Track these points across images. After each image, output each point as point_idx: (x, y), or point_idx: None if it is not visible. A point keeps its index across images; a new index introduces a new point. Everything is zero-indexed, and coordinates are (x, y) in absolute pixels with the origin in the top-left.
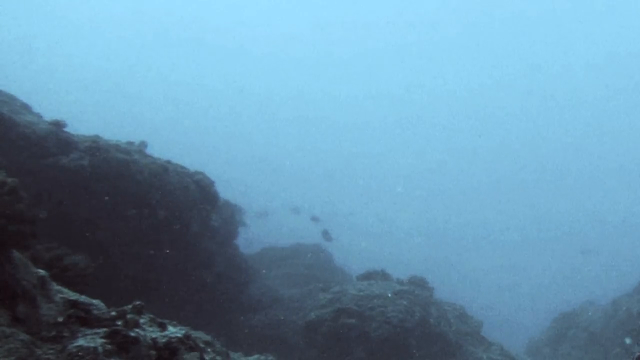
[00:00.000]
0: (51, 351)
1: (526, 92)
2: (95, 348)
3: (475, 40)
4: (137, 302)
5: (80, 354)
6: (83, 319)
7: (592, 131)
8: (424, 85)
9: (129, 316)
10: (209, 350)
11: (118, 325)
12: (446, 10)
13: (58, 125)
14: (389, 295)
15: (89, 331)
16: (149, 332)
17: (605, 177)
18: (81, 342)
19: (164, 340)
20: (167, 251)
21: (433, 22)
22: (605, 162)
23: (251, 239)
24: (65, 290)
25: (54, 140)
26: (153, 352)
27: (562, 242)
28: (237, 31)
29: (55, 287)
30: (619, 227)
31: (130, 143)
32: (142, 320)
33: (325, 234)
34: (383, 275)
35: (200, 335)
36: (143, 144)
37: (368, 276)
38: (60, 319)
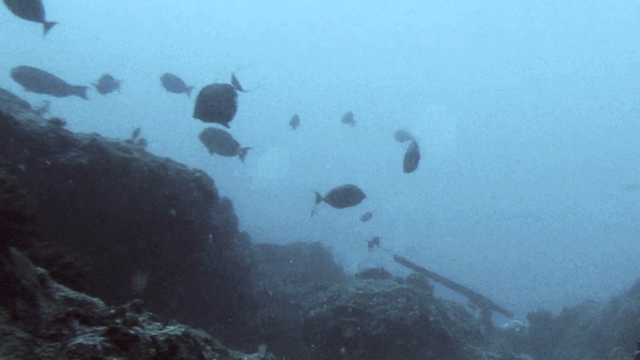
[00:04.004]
0: (50, 349)
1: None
2: (94, 346)
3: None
4: (136, 300)
5: (79, 351)
6: (82, 316)
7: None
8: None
9: (127, 314)
10: (208, 348)
11: (117, 323)
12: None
13: (57, 123)
14: (388, 292)
15: (88, 329)
16: (148, 329)
17: (602, 176)
18: (80, 340)
19: (163, 338)
20: (167, 249)
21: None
22: (605, 162)
23: (250, 236)
24: (65, 288)
25: (53, 138)
26: (152, 350)
27: (561, 240)
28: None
29: (55, 285)
30: (618, 224)
31: (130, 141)
32: (141, 318)
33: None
34: (382, 274)
35: (199, 333)
36: (143, 142)
37: (367, 274)
38: (59, 317)
